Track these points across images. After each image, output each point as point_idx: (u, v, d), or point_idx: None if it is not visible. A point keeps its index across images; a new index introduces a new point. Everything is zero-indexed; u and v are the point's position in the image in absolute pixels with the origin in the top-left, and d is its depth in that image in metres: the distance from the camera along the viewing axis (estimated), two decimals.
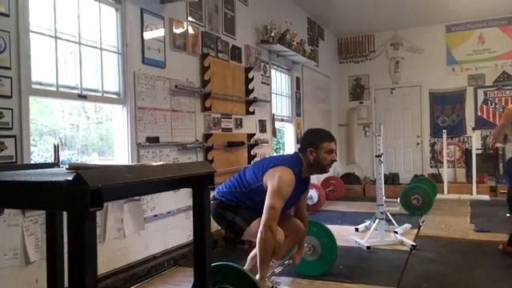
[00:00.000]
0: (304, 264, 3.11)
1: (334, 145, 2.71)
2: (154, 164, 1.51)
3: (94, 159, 6.58)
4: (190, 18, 4.00)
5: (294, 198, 2.70)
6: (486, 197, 6.75)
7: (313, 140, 2.69)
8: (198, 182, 1.53)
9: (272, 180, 2.51)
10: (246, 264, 2.79)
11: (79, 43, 2.97)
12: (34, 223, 2.49)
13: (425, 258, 3.63)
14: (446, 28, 7.88)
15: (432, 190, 5.95)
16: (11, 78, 2.42)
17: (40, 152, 5.71)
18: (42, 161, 5.04)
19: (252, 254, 2.72)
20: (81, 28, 2.98)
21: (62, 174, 1.33)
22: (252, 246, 2.71)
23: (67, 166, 1.53)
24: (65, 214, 1.12)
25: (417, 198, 5.54)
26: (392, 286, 2.94)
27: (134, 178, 1.21)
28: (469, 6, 6.93)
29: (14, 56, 2.44)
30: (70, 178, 1.06)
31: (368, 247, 3.88)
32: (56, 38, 2.78)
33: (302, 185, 2.76)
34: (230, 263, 2.17)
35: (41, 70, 2.71)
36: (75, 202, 1.05)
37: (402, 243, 4.02)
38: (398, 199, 5.73)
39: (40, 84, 2.67)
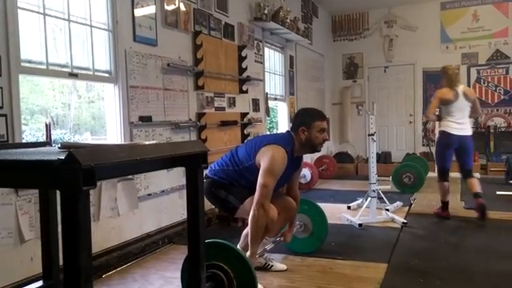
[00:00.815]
0: (295, 241, 3.16)
1: (325, 124, 2.73)
2: (147, 143, 1.51)
3: (86, 138, 6.54)
4: None
5: (287, 176, 2.73)
6: (477, 175, 6.81)
7: (305, 119, 2.70)
8: (191, 161, 1.54)
9: (264, 158, 2.53)
10: (240, 241, 2.83)
11: (68, 20, 2.91)
12: (27, 202, 2.49)
13: (415, 235, 3.70)
14: (440, 5, 7.82)
15: (423, 169, 6.01)
16: (0, 57, 2.38)
17: (32, 131, 5.66)
18: (33, 140, 5.00)
19: (245, 231, 2.75)
20: (70, 4, 2.91)
21: (54, 153, 1.32)
22: (245, 223, 2.75)
23: (59, 145, 1.52)
24: (58, 192, 1.12)
25: (408, 176, 5.61)
26: (383, 262, 3.00)
27: (127, 156, 1.21)
28: None
29: (2, 33, 2.39)
30: (63, 157, 1.06)
31: (360, 225, 3.94)
32: (44, 14, 2.72)
33: (295, 163, 2.78)
34: (222, 241, 2.20)
35: (30, 47, 2.66)
36: (68, 180, 1.05)
37: (393, 220, 4.09)
38: (390, 177, 5.79)
39: (29, 62, 2.63)
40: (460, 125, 4.17)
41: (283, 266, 2.93)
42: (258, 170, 2.55)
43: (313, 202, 3.31)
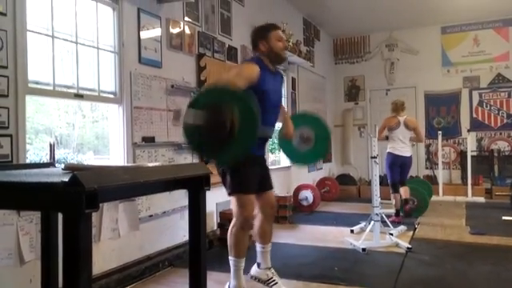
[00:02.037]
0: (298, 155, 3.16)
1: (281, 33, 2.83)
2: (150, 165, 1.51)
3: (89, 158, 6.54)
4: (186, 18, 4.00)
5: (276, 89, 2.81)
6: (482, 199, 6.79)
7: (261, 33, 2.81)
8: (194, 184, 1.54)
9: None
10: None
11: (76, 42, 2.96)
12: (28, 222, 2.48)
13: (420, 261, 3.63)
14: (441, 29, 7.92)
15: (427, 192, 5.97)
16: (8, 77, 2.41)
17: (35, 150, 5.67)
18: (37, 159, 5.00)
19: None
20: (78, 27, 2.97)
21: (57, 175, 1.32)
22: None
23: (63, 167, 1.52)
24: (60, 214, 1.12)
25: (412, 199, 5.55)
26: None
27: (130, 179, 1.21)
28: (464, 8, 6.97)
29: (11, 55, 2.43)
30: (66, 179, 1.05)
31: (363, 249, 3.89)
32: (53, 37, 2.77)
33: (277, 76, 2.87)
34: (225, 86, 2.30)
35: (38, 68, 2.70)
36: (71, 203, 1.05)
37: (397, 245, 4.04)
38: (394, 201, 5.74)
39: (37, 83, 2.66)
40: (402, 147, 5.14)
41: None
42: None
43: (312, 113, 3.31)
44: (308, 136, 3.24)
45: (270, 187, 2.89)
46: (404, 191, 5.17)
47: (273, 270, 2.89)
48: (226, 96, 2.23)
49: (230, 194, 2.70)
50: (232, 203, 2.72)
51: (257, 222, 2.84)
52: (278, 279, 2.88)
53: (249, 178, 2.67)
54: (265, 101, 2.60)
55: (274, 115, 2.82)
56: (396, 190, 5.18)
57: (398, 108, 5.24)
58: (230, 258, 2.73)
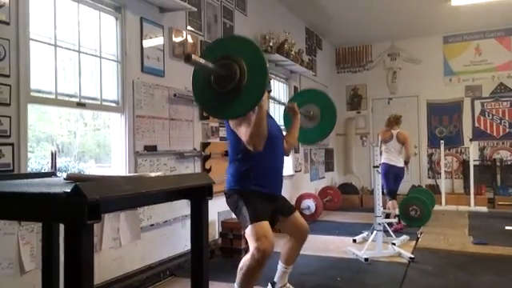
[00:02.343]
0: (304, 133, 3.10)
1: None
2: (153, 175, 1.50)
3: (90, 166, 6.54)
4: (189, 27, 4.01)
5: (272, 124, 2.71)
6: (484, 208, 6.75)
7: None
8: (197, 194, 1.53)
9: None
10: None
11: (79, 51, 2.97)
12: (29, 232, 2.46)
13: (423, 271, 3.60)
14: (443, 39, 7.94)
15: (430, 202, 5.93)
16: (10, 86, 2.41)
17: (37, 159, 5.68)
18: (38, 167, 5.01)
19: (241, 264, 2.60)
20: (80, 36, 2.98)
21: (59, 185, 1.31)
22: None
23: (65, 176, 1.52)
24: (61, 225, 1.11)
25: (415, 209, 5.51)
26: None
27: (133, 190, 1.20)
28: (466, 18, 6.99)
29: (14, 64, 2.44)
30: (68, 190, 1.05)
31: (366, 259, 3.86)
32: (56, 46, 2.78)
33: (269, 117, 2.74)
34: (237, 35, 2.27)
35: (40, 77, 2.70)
36: (73, 214, 1.04)
37: (399, 255, 4.00)
38: (396, 210, 5.71)
39: (39, 92, 2.67)
40: (395, 158, 5.41)
41: None
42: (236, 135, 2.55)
43: (310, 90, 3.25)
44: (314, 113, 3.21)
45: (291, 210, 2.80)
46: (394, 205, 5.33)
47: (288, 285, 2.88)
48: (237, 48, 2.20)
49: (246, 228, 2.52)
50: (248, 236, 2.52)
51: (288, 243, 2.78)
52: None
53: (259, 206, 2.55)
54: (271, 144, 2.58)
55: (279, 140, 2.77)
56: (394, 197, 5.40)
57: (391, 122, 5.52)
58: (235, 285, 2.55)
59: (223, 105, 2.21)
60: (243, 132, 2.46)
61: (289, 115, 3.11)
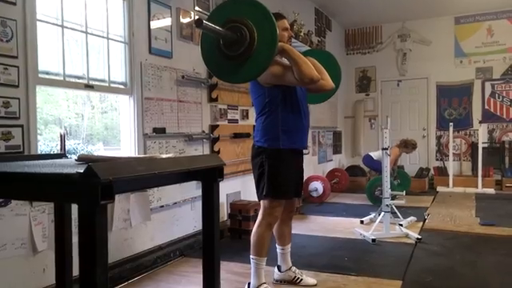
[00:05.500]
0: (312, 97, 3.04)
1: (286, 22, 2.66)
2: (164, 156, 1.50)
3: (99, 148, 6.58)
4: (197, 8, 3.96)
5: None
6: (492, 190, 6.72)
7: None
8: (208, 175, 1.53)
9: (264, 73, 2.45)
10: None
11: (86, 32, 2.95)
12: (41, 213, 2.50)
13: (430, 252, 3.62)
14: (454, 20, 7.78)
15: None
16: (18, 67, 2.41)
17: (45, 141, 5.71)
18: (47, 150, 5.04)
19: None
20: (88, 17, 2.95)
21: (71, 166, 1.32)
22: None
23: (76, 158, 1.52)
24: (74, 205, 1.12)
25: (379, 190, 5.36)
26: (397, 279, 2.94)
27: (145, 170, 1.20)
28: None
29: (21, 45, 2.43)
30: (81, 171, 1.05)
31: (373, 240, 3.88)
32: (63, 26, 2.76)
33: None
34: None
35: (47, 59, 2.69)
36: (86, 194, 1.04)
37: (407, 236, 4.02)
38: (404, 192, 5.69)
39: (47, 73, 2.66)
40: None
41: (313, 281, 2.90)
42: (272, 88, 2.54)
43: (321, 50, 3.18)
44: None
45: (299, 195, 2.83)
46: None
47: (293, 269, 2.90)
48: (247, 10, 2.19)
49: (263, 198, 2.58)
50: (262, 205, 2.63)
51: (279, 224, 2.80)
52: (302, 275, 2.89)
53: (288, 183, 2.60)
54: (296, 103, 2.59)
55: (305, 101, 2.73)
56: None
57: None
58: (251, 257, 2.64)
59: (237, 68, 2.23)
60: (289, 77, 2.45)
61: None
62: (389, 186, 4.20)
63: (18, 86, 2.41)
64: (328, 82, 2.67)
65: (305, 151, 2.87)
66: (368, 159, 6.19)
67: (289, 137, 2.57)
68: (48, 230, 2.50)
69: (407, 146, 6.02)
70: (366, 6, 7.13)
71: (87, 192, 1.04)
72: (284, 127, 2.56)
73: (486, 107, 7.64)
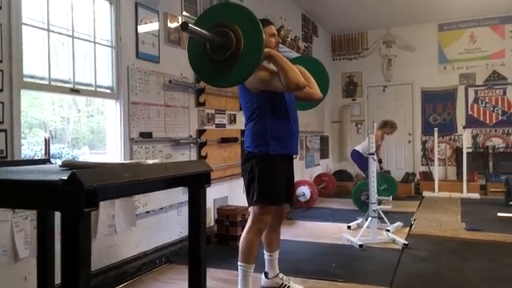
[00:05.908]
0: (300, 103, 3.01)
1: (274, 29, 2.69)
2: (150, 162, 1.48)
3: (84, 153, 6.50)
4: (184, 13, 3.95)
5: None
6: (477, 195, 6.81)
7: None
8: (195, 181, 1.51)
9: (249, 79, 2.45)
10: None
11: (72, 36, 2.91)
12: (23, 219, 2.44)
13: (417, 257, 3.65)
14: (438, 26, 7.91)
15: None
16: (2, 71, 2.37)
17: (30, 145, 5.62)
18: (31, 154, 4.96)
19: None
20: (74, 21, 2.92)
21: (55, 172, 1.29)
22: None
23: (60, 163, 1.49)
24: (57, 212, 1.09)
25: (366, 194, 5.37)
26: (385, 286, 2.95)
27: (130, 177, 1.18)
28: (460, 6, 6.97)
29: (6, 49, 2.39)
30: (65, 178, 1.03)
31: (360, 245, 3.89)
32: (49, 30, 2.72)
33: None
34: (234, 2, 2.25)
35: (33, 63, 2.65)
36: (69, 202, 1.02)
37: (394, 241, 4.04)
38: (390, 197, 5.74)
39: (32, 77, 2.62)
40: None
41: (300, 287, 2.88)
42: (258, 95, 2.56)
43: (309, 56, 3.18)
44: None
45: (290, 201, 2.83)
46: None
47: (281, 275, 2.88)
48: (234, 15, 2.20)
49: (254, 203, 2.57)
50: (252, 211, 2.62)
51: (267, 230, 2.77)
52: (289, 281, 2.88)
53: (278, 188, 2.59)
54: (286, 109, 2.60)
55: (293, 107, 2.73)
56: None
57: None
58: (239, 263, 2.62)
59: (223, 72, 2.23)
60: (275, 83, 2.46)
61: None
62: (375, 191, 4.22)
63: (1, 90, 2.37)
64: (316, 90, 2.70)
65: (294, 155, 2.87)
66: (356, 155, 6.05)
67: (278, 142, 2.57)
68: (30, 236, 2.45)
69: (386, 125, 6.04)
70: (351, 12, 7.21)
71: (71, 200, 1.01)
72: (273, 133, 2.56)
73: (470, 113, 7.77)
